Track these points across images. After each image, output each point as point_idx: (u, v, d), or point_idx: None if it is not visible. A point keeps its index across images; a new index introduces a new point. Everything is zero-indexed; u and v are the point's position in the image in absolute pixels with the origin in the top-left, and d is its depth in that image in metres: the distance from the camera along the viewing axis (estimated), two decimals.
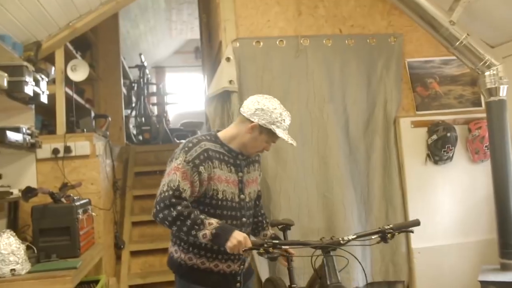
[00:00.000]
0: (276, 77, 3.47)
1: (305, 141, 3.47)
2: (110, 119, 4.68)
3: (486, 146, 3.42)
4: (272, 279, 2.82)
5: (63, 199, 2.83)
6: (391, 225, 2.07)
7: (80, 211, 2.88)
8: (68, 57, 3.82)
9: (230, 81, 3.36)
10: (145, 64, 7.95)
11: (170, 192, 1.97)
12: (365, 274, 3.43)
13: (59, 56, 3.55)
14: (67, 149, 3.38)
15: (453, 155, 3.55)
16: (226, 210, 2.11)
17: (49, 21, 3.21)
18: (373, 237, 2.08)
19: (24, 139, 2.80)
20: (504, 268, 3.06)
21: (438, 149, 3.49)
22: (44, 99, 3.10)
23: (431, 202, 3.55)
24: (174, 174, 2.01)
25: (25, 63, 2.74)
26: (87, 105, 4.65)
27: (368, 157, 3.57)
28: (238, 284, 2.21)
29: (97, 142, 3.54)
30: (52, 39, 3.34)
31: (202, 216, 1.96)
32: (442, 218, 3.56)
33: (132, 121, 7.42)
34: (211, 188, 2.06)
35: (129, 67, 7.51)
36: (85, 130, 3.62)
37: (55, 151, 3.37)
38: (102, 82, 5.61)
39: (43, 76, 3.07)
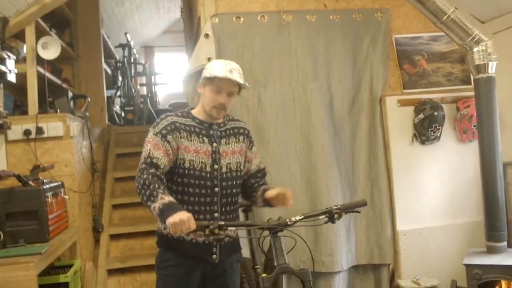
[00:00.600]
0: (258, 55, 3.33)
1: (288, 120, 3.35)
2: (89, 99, 4.52)
3: (474, 126, 3.31)
4: None
5: (31, 182, 2.69)
6: (338, 205, 2.04)
7: (49, 194, 2.75)
8: (42, 35, 3.65)
9: (209, 59, 3.21)
10: (132, 43, 7.74)
11: (142, 160, 2.07)
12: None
13: (30, 33, 3.38)
14: (39, 130, 3.24)
15: (440, 134, 3.45)
16: (193, 179, 2.12)
17: None
18: (320, 217, 2.04)
19: None
20: (490, 251, 2.99)
21: (425, 128, 3.39)
22: (11, 78, 2.96)
23: (417, 183, 3.47)
24: (145, 146, 2.11)
25: None
26: (64, 85, 4.48)
27: (353, 137, 3.48)
28: (214, 256, 2.14)
29: (72, 123, 3.40)
30: (21, 15, 3.17)
31: (160, 190, 1.96)
32: (429, 199, 3.48)
33: (117, 101, 7.26)
34: (179, 157, 2.12)
35: (115, 47, 7.31)
36: (58, 110, 3.47)
37: (27, 132, 3.23)
38: (82, 61, 5.43)
39: (9, 54, 2.92)
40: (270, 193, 2.15)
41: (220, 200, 2.16)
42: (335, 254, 3.29)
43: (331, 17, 3.42)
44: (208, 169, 2.14)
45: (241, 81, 2.12)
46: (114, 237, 4.01)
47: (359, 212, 2.09)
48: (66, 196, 3.09)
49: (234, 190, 2.22)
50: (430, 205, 3.48)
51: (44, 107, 3.59)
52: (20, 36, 3.53)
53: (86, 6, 5.55)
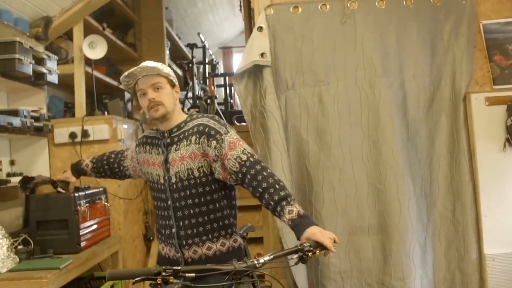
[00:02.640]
0: (318, 49, 2.95)
1: (353, 123, 2.94)
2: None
3: None
4: None
5: (59, 189, 2.52)
6: (309, 243, 1.64)
7: (82, 202, 2.57)
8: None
9: (262, 54, 2.90)
10: (206, 43, 7.63)
11: None
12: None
13: (77, 33, 3.28)
14: (85, 133, 3.10)
15: None
16: (155, 192, 2.06)
17: None
18: (294, 256, 1.65)
19: (24, 122, 2.52)
20: None
21: None
22: (52, 79, 2.83)
23: (510, 198, 2.92)
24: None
25: (18, 39, 2.45)
26: (121, 86, 4.37)
27: (431, 142, 3.01)
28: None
29: (120, 126, 3.23)
30: (65, 14, 3.04)
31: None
32: None
33: (187, 103, 7.17)
34: (143, 171, 2.16)
35: (185, 46, 7.24)
36: (106, 113, 3.32)
37: (73, 135, 3.11)
38: None
39: (49, 54, 2.79)
40: (305, 238, 1.68)
41: (175, 214, 1.96)
42: (407, 278, 2.83)
43: (404, 2, 2.96)
44: (161, 181, 1.99)
45: (152, 65, 1.91)
46: None
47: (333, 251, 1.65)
48: (107, 203, 2.90)
49: (189, 201, 1.93)
50: None
51: (95, 108, 3.46)
52: (72, 36, 3.44)
53: (150, 7, 5.46)
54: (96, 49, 3.24)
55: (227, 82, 8.09)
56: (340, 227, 2.92)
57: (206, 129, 1.93)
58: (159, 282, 1.47)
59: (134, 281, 1.47)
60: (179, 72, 6.86)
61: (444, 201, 2.98)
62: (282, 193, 1.77)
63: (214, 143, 1.89)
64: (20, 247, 2.48)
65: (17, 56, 2.44)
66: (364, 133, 2.94)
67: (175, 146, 1.96)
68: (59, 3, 2.98)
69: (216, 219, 1.95)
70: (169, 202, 1.95)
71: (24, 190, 2.52)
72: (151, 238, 3.72)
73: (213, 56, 8.84)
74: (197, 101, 6.80)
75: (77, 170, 2.45)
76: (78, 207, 2.53)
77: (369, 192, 2.93)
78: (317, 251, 1.61)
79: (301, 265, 2.76)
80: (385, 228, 2.88)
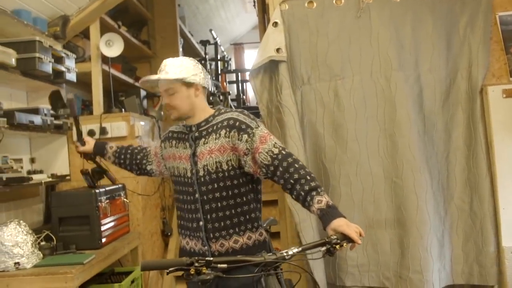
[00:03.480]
0: (333, 43, 2.94)
1: (369, 117, 2.94)
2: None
3: None
4: None
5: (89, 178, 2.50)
6: (336, 235, 1.65)
7: (103, 198, 2.60)
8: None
9: (278, 49, 2.90)
10: (218, 40, 7.64)
11: None
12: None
13: (94, 31, 3.31)
14: (103, 130, 3.13)
15: None
16: (179, 186, 2.07)
17: None
18: (321, 249, 1.65)
19: (44, 120, 2.56)
20: None
21: None
22: (71, 77, 2.86)
23: None
24: None
25: (38, 38, 2.48)
26: (137, 84, 4.40)
27: (447, 135, 2.98)
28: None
29: (137, 123, 3.26)
30: (82, 12, 3.07)
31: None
32: None
33: None
34: (167, 166, 2.17)
35: (198, 43, 7.25)
36: (123, 110, 3.35)
37: (91, 132, 3.15)
38: (159, 60, 5.34)
39: (68, 53, 2.82)
40: (331, 228, 1.70)
41: (203, 207, 1.96)
42: (425, 271, 2.82)
43: None
44: (189, 174, 2.00)
45: (167, 77, 1.96)
46: None
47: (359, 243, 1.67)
48: (126, 200, 2.94)
49: (217, 195, 1.94)
50: None
51: (112, 106, 3.50)
52: (88, 34, 3.48)
53: (163, 4, 5.49)
54: (113, 47, 3.27)
55: (239, 78, 8.10)
56: (357, 221, 2.90)
57: (237, 123, 1.93)
58: (192, 272, 1.47)
59: (167, 271, 1.48)
60: None
61: (461, 194, 2.96)
62: (312, 184, 1.79)
63: (245, 136, 1.90)
64: (42, 243, 2.52)
65: (37, 55, 2.47)
66: (380, 127, 2.94)
67: (203, 139, 1.97)
68: (76, 2, 3.02)
69: (243, 212, 1.96)
70: (197, 195, 1.96)
71: (93, 183, 2.48)
72: (169, 234, 3.75)
73: (225, 53, 8.85)
74: (211, 98, 6.82)
75: (99, 146, 2.37)
76: (99, 203, 2.57)
77: (386, 186, 2.92)
78: (345, 244, 1.62)
79: (319, 262, 2.81)
80: (403, 222, 2.87)
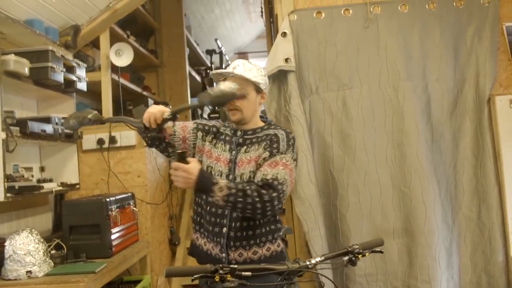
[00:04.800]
0: (341, 53, 2.97)
1: (377, 126, 2.95)
2: (171, 107, 4.43)
3: None
4: None
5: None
6: (358, 245, 1.67)
7: (113, 207, 2.62)
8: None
9: (286, 59, 2.93)
10: (223, 49, 7.68)
11: None
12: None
13: (104, 41, 3.35)
14: (112, 139, 3.15)
15: None
16: None
17: (86, 3, 2.97)
18: (344, 258, 1.66)
19: (55, 129, 2.58)
20: None
21: None
22: (82, 86, 2.89)
23: None
24: None
25: (50, 48, 2.51)
26: (145, 93, 4.43)
27: (455, 145, 3.00)
28: None
29: None
30: (93, 22, 3.11)
31: None
32: None
33: (206, 109, 7.21)
34: (202, 162, 2.02)
35: (204, 52, 7.29)
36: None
37: (100, 141, 3.17)
38: (166, 69, 5.40)
39: (79, 62, 2.85)
40: None
41: (230, 214, 1.93)
42: (433, 281, 2.82)
43: (427, 6, 2.97)
44: (224, 178, 1.93)
45: (244, 74, 1.93)
46: None
47: (382, 252, 1.71)
48: (135, 208, 2.95)
49: None
50: None
51: (121, 115, 3.52)
52: (97, 44, 3.51)
53: (170, 14, 5.53)
54: (122, 56, 3.30)
55: None
56: (365, 230, 2.93)
57: (275, 140, 1.94)
58: (217, 280, 1.46)
59: (192, 278, 1.46)
60: (198, 78, 6.91)
61: (469, 204, 2.96)
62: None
63: (267, 154, 1.91)
64: (53, 251, 2.53)
65: (50, 64, 2.50)
66: (388, 137, 2.95)
67: (245, 147, 1.97)
68: (87, 12, 3.05)
69: (266, 223, 1.97)
70: None
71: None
72: (176, 243, 3.75)
73: (229, 62, 8.89)
74: (216, 107, 6.84)
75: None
76: (110, 212, 2.58)
77: (394, 195, 2.93)
78: (367, 254, 1.63)
79: (327, 272, 2.81)
80: (411, 231, 2.88)
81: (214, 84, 7.01)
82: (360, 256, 1.63)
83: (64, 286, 2.16)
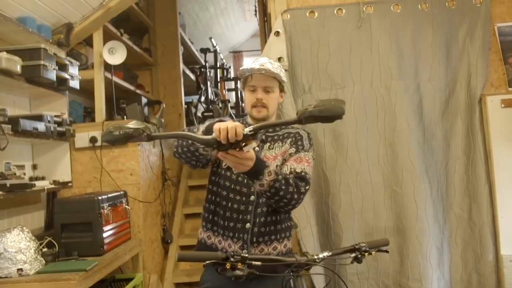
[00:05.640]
0: (334, 53, 2.98)
1: (370, 125, 2.97)
2: (164, 105, 4.43)
3: None
4: None
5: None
6: (365, 243, 1.69)
7: (105, 205, 2.62)
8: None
9: (279, 58, 2.94)
10: (218, 48, 7.68)
11: None
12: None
13: (97, 39, 3.34)
14: None
15: None
16: (229, 182, 1.96)
17: (79, 1, 2.97)
18: (351, 255, 1.68)
19: (48, 127, 2.57)
20: None
21: None
22: (74, 84, 2.88)
23: None
24: None
25: (43, 46, 2.50)
26: (138, 91, 4.43)
27: (446, 145, 3.01)
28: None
29: None
30: (86, 20, 3.09)
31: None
32: None
33: (200, 107, 7.21)
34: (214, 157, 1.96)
35: (198, 51, 7.29)
36: (125, 117, 3.37)
37: (93, 139, 3.16)
38: (160, 67, 5.40)
39: (72, 60, 2.84)
40: None
41: (255, 210, 1.93)
42: (424, 279, 2.84)
43: (419, 6, 2.98)
44: None
45: (273, 70, 1.94)
46: (184, 248, 3.85)
47: (387, 251, 1.72)
48: (127, 206, 2.95)
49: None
50: None
51: (114, 113, 3.52)
52: (91, 42, 3.50)
53: (164, 12, 5.53)
54: (116, 54, 3.29)
55: (238, 86, 8.13)
56: (356, 229, 2.94)
57: (299, 138, 2.00)
58: (227, 267, 1.48)
59: (204, 264, 1.47)
60: (192, 76, 6.91)
61: (460, 203, 2.98)
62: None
63: (292, 150, 1.96)
64: (44, 249, 2.53)
65: (42, 62, 2.49)
66: (380, 136, 2.96)
67: (269, 144, 2.00)
68: (80, 10, 3.04)
69: (285, 219, 1.99)
70: (252, 198, 1.93)
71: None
72: (169, 241, 3.75)
73: (224, 61, 8.90)
74: (211, 105, 6.84)
75: None
76: (102, 210, 2.58)
77: (386, 194, 2.94)
78: (373, 252, 1.65)
79: (319, 267, 2.82)
80: (402, 230, 2.89)
81: (208, 83, 7.07)
82: (366, 254, 1.64)
83: (55, 284, 2.15)
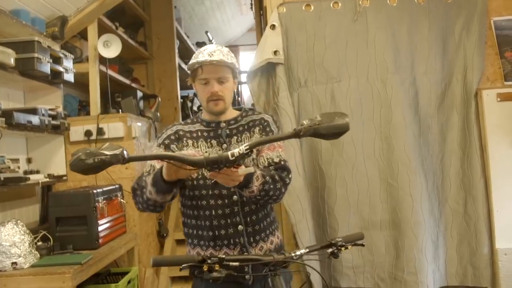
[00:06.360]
0: (330, 46, 2.96)
1: (365, 119, 2.96)
2: (159, 99, 4.42)
3: None
4: None
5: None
6: (341, 238, 1.66)
7: (100, 198, 2.61)
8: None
9: (275, 52, 2.92)
10: (214, 42, 7.64)
11: (142, 173, 1.83)
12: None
13: (92, 32, 3.33)
14: (100, 131, 3.14)
15: None
16: (205, 190, 1.81)
17: None
18: (328, 250, 1.65)
19: (42, 121, 2.56)
20: None
21: None
22: (69, 77, 2.86)
23: None
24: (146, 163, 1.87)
25: (36, 38, 2.49)
26: (133, 85, 4.41)
27: (442, 138, 3.02)
28: (247, 276, 1.80)
29: (134, 123, 3.27)
30: (80, 13, 3.07)
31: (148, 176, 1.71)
32: None
33: (196, 101, 7.19)
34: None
35: (194, 44, 7.26)
36: (120, 110, 3.36)
37: (88, 133, 3.16)
38: (156, 61, 5.38)
39: (66, 53, 2.82)
40: None
41: (242, 209, 1.83)
42: (419, 272, 2.85)
43: None
44: None
45: (226, 60, 1.80)
46: (180, 242, 3.84)
47: (363, 245, 1.69)
48: (123, 200, 2.94)
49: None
50: None
51: (109, 107, 3.51)
52: (85, 35, 3.48)
53: (159, 5, 5.51)
54: (111, 48, 3.28)
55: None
56: (352, 222, 2.94)
57: (268, 123, 1.93)
58: (205, 269, 1.42)
59: (180, 267, 1.43)
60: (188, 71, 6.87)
61: (456, 196, 2.99)
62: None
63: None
64: (39, 243, 2.52)
65: (36, 55, 2.47)
66: (376, 130, 2.96)
67: (236, 137, 1.88)
68: (74, 2, 3.03)
69: (271, 210, 1.94)
70: (235, 197, 1.82)
71: None
72: (165, 235, 3.75)
73: None
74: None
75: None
76: (97, 203, 2.57)
77: (382, 188, 2.94)
78: (349, 246, 1.64)
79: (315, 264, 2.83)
80: (398, 223, 2.90)
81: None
82: (343, 249, 1.62)
83: (50, 277, 2.15)
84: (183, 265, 1.44)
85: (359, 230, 3.00)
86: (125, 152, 1.40)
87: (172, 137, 1.89)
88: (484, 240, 2.92)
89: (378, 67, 2.95)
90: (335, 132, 1.44)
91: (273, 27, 2.97)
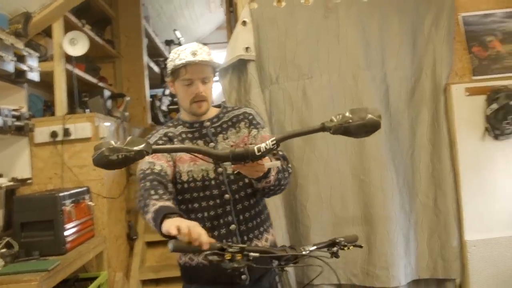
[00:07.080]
0: (302, 43, 2.96)
1: None
2: (128, 98, 4.33)
3: None
4: None
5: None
6: (343, 237, 1.64)
7: (67, 202, 2.53)
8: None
9: (246, 48, 2.90)
10: (182, 40, 7.56)
11: (140, 172, 1.73)
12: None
13: (57, 29, 3.22)
14: (66, 132, 3.04)
15: None
16: (196, 192, 1.79)
17: None
18: (333, 249, 1.63)
19: (5, 122, 2.46)
20: None
21: (499, 120, 2.90)
22: (33, 76, 2.76)
23: (489, 185, 2.97)
24: (143, 161, 1.73)
25: None
26: (101, 84, 4.30)
27: (412, 133, 3.04)
28: (243, 276, 1.77)
29: (101, 124, 3.18)
30: (45, 10, 2.95)
31: (154, 196, 1.57)
32: (504, 204, 2.98)
33: (165, 101, 7.11)
34: (175, 171, 1.80)
35: (163, 43, 7.17)
36: (88, 110, 3.27)
37: (54, 134, 3.05)
38: (124, 60, 5.28)
39: (30, 51, 2.73)
40: None
41: (234, 208, 1.80)
42: (391, 267, 2.86)
43: None
44: (212, 175, 1.79)
45: (209, 58, 1.77)
46: (150, 244, 3.77)
47: (361, 246, 1.67)
48: (91, 203, 2.86)
49: (248, 191, 1.83)
50: (505, 211, 2.98)
51: (75, 107, 3.40)
52: (50, 33, 3.37)
53: (127, 3, 5.41)
54: (77, 45, 3.18)
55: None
56: (325, 219, 2.94)
57: (252, 117, 1.90)
58: (228, 258, 1.38)
59: (206, 253, 1.37)
60: (156, 69, 6.79)
61: (426, 191, 3.01)
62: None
63: (254, 131, 1.87)
64: (3, 250, 2.41)
65: None
66: None
67: (222, 135, 1.85)
68: None
69: (264, 208, 1.91)
70: (227, 196, 1.79)
71: None
72: (134, 238, 3.67)
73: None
74: (175, 98, 6.76)
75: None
76: (64, 207, 2.49)
77: (353, 184, 2.95)
78: (351, 247, 1.63)
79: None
80: (369, 219, 2.91)
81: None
82: (345, 248, 1.62)
83: (16, 286, 2.06)
84: (206, 252, 1.37)
85: (331, 227, 3.03)
86: (150, 144, 1.37)
87: (164, 139, 1.83)
88: (454, 233, 2.96)
89: (350, 63, 2.96)
90: (367, 130, 1.39)
91: (244, 23, 2.95)
